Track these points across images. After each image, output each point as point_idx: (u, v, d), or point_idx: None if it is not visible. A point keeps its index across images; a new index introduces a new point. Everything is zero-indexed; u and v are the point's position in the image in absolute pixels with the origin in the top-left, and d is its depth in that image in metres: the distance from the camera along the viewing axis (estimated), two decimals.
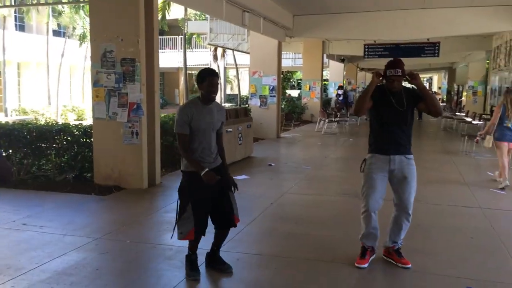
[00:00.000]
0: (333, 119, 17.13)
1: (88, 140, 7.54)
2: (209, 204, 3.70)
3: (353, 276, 3.83)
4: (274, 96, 14.22)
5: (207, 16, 15.93)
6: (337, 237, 4.78)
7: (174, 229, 3.73)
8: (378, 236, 4.11)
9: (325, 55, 21.24)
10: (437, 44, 16.36)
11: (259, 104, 14.28)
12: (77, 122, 8.27)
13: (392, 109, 3.95)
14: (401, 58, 4.09)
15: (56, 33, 26.57)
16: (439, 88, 49.89)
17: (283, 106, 18.06)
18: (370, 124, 4.17)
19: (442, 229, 5.13)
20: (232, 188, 3.78)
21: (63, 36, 25.42)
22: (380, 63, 29.63)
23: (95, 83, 7.08)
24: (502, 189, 7.06)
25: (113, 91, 6.96)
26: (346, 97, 24.59)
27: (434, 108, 3.93)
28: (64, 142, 7.62)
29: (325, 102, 23.77)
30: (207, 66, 32.70)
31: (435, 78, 55.90)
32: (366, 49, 17.18)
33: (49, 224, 5.15)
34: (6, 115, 21.29)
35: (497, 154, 7.45)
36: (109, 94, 6.99)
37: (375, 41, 16.69)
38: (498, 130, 7.32)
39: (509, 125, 7.19)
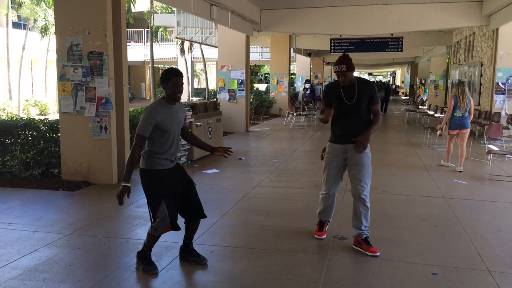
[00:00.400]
0: (301, 112, 17.35)
1: (54, 135, 7.39)
2: (178, 197, 3.76)
3: (323, 265, 3.96)
4: (243, 90, 14.27)
5: (174, 9, 15.76)
6: (309, 228, 4.90)
7: (152, 226, 3.73)
8: (333, 211, 4.63)
9: (292, 49, 21.42)
10: (401, 39, 16.84)
11: (228, 98, 14.31)
12: (42, 117, 8.05)
13: (343, 102, 4.24)
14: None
15: (16, 25, 25.63)
16: (402, 82, 51.21)
17: (251, 100, 18.15)
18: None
19: (408, 218, 5.35)
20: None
21: (24, 28, 24.55)
22: None
23: (61, 77, 6.94)
24: (460, 172, 7.91)
25: (80, 85, 6.85)
26: (313, 91, 24.93)
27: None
28: (30, 138, 7.43)
29: (293, 96, 24.02)
30: (173, 60, 32.46)
31: (399, 72, 57.33)
32: (332, 44, 17.50)
33: (17, 221, 5.05)
34: None
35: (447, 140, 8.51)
36: (76, 88, 6.87)
37: (340, 36, 17.00)
38: (450, 119, 8.17)
39: (460, 114, 8.03)
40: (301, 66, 27.12)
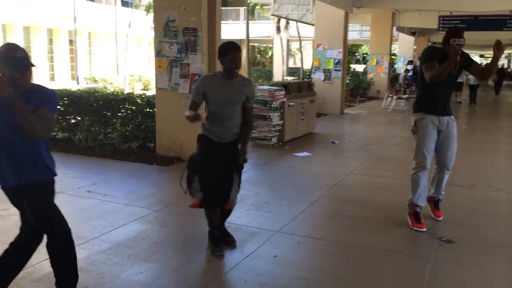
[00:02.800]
0: (401, 96, 16.26)
1: (151, 110, 7.56)
2: (217, 175, 3.58)
3: (425, 271, 3.48)
4: (339, 70, 13.63)
5: None
6: (408, 226, 4.40)
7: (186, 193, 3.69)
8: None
9: (394, 28, 20.10)
10: None
11: (322, 78, 13.77)
12: (143, 92, 8.32)
13: (449, 74, 4.10)
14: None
15: (124, 3, 27.14)
16: None
17: (347, 81, 17.39)
18: (421, 87, 4.34)
19: None
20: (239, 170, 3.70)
21: (130, 6, 25.92)
22: None
23: (158, 53, 7.01)
24: None
25: (175, 61, 6.86)
26: (416, 73, 23.28)
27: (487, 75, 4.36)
28: (129, 112, 7.69)
29: (393, 78, 22.68)
30: (269, 39, 32.34)
31: None
32: (441, 21, 15.97)
33: (112, 193, 5.19)
34: (78, 83, 22.20)
35: None
36: (171, 64, 6.90)
37: (451, 13, 15.48)
38: None
39: None
40: (404, 46, 25.44)
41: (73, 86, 18.91)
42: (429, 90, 4.21)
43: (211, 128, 3.58)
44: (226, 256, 3.66)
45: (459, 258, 3.72)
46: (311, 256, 3.76)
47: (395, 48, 27.75)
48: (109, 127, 7.85)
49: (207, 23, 6.68)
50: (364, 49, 45.04)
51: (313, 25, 15.39)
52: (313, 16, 15.89)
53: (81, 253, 3.59)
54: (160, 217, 4.54)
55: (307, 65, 33.87)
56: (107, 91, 9.42)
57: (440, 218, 4.52)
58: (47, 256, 2.91)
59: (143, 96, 7.78)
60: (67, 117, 7.93)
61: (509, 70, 45.87)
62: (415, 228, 4.27)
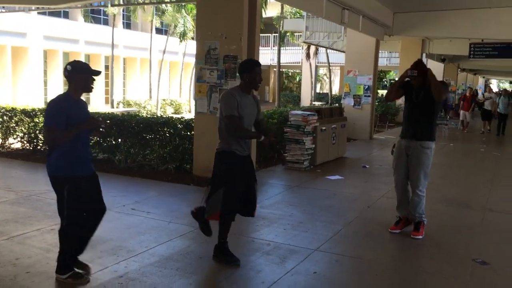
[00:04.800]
0: None
1: (189, 133, 7.89)
2: (242, 187, 3.82)
3: None
4: (369, 96, 13.81)
5: (303, 13, 15.88)
6: (443, 247, 4.50)
7: (204, 205, 3.90)
8: (405, 206, 4.91)
9: (424, 55, 20.18)
10: None
11: (352, 104, 13.96)
12: (176, 115, 8.68)
13: (411, 102, 4.79)
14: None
15: (159, 31, 28.17)
16: None
17: (376, 107, 17.49)
18: None
19: None
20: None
21: (165, 34, 26.88)
22: (486, 64, 27.51)
23: (199, 79, 7.38)
24: None
25: (215, 87, 7.20)
26: (446, 99, 23.19)
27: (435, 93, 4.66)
28: (167, 134, 8.04)
29: None
30: (297, 65, 32.78)
31: None
32: (472, 49, 16.06)
33: (154, 211, 5.47)
34: (112, 107, 23.01)
35: None
36: (211, 89, 7.24)
37: (482, 40, 15.52)
38: None
39: None
40: (434, 73, 25.36)
41: (107, 109, 19.66)
42: (404, 116, 4.96)
43: (237, 143, 3.82)
44: (268, 271, 3.86)
45: (493, 279, 3.79)
46: (349, 273, 3.91)
47: None
48: (148, 149, 8.22)
49: (247, 51, 7.04)
50: (392, 75, 45.03)
51: (343, 51, 15.69)
52: (343, 43, 16.20)
53: (133, 265, 3.85)
54: (201, 234, 4.76)
55: (334, 91, 34.08)
56: (142, 115, 9.84)
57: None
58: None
59: (181, 119, 8.13)
60: (108, 139, 8.34)
61: None
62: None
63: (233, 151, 3.81)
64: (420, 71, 4.67)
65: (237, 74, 6.93)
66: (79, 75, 3.43)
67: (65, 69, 3.43)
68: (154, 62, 26.10)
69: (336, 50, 18.88)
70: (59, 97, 3.46)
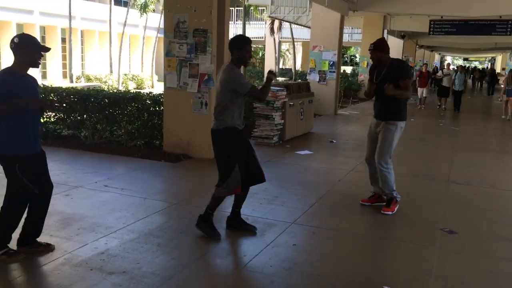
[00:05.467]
0: None
1: (158, 108, 7.76)
2: (244, 161, 3.96)
3: (433, 258, 3.80)
4: (334, 71, 13.97)
5: None
6: (411, 217, 4.72)
7: (220, 186, 3.95)
8: (376, 183, 5.03)
9: (385, 31, 20.52)
10: (510, 21, 15.42)
11: (317, 80, 14.10)
12: (140, 91, 8.51)
13: (373, 82, 4.95)
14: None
15: (118, 2, 27.17)
16: (503, 69, 47.17)
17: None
18: None
19: None
20: None
21: (125, 6, 25.97)
22: (443, 40, 28.33)
23: (168, 53, 7.23)
24: None
25: (185, 62, 7.08)
26: None
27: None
28: (135, 110, 7.88)
29: None
30: (261, 40, 32.56)
31: (499, 58, 52.83)
32: (432, 26, 16.45)
33: (129, 187, 5.41)
34: (72, 81, 22.19)
35: None
36: (180, 64, 7.12)
37: (441, 17, 15.93)
38: None
39: None
40: (393, 49, 24.97)
41: (66, 84, 18.94)
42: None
43: (238, 119, 3.93)
44: (248, 244, 3.94)
45: (462, 247, 4.04)
46: (327, 244, 4.04)
47: None
48: (115, 125, 8.04)
49: (217, 24, 6.93)
50: (352, 51, 45.64)
51: (308, 27, 15.71)
52: (308, 18, 16.21)
53: (113, 242, 3.83)
54: (179, 209, 4.78)
55: (297, 66, 34.20)
56: (106, 90, 9.57)
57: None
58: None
59: (150, 95, 7.98)
60: (72, 115, 8.09)
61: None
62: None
63: (236, 126, 3.92)
64: (376, 45, 4.85)
65: (208, 48, 6.92)
66: (26, 49, 3.31)
67: (12, 41, 3.32)
68: (114, 35, 25.26)
69: (301, 25, 18.88)
70: (3, 71, 3.35)
